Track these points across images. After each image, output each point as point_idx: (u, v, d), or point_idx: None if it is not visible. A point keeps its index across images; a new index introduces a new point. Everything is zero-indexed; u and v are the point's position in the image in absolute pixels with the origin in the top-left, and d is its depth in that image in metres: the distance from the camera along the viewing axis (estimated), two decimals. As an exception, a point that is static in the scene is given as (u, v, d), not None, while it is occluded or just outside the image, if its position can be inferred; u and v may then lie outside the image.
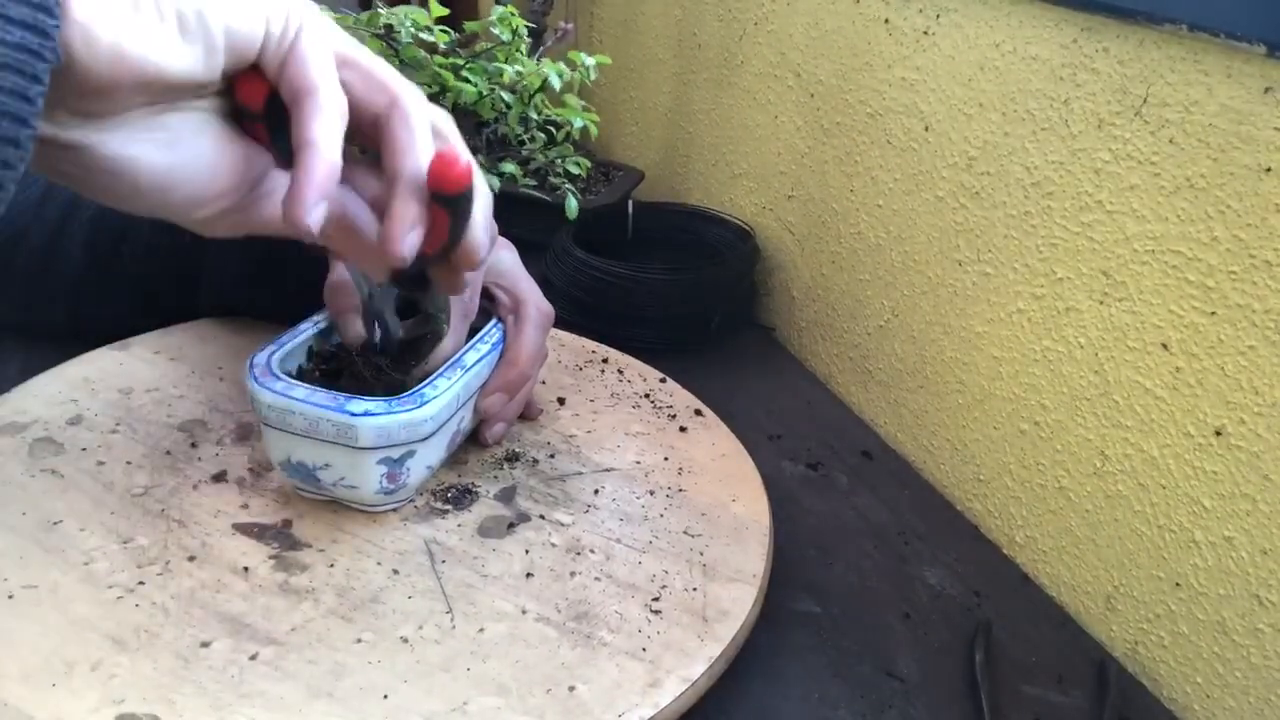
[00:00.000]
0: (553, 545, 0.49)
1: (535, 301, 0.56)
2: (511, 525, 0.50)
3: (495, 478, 0.54)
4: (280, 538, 0.47)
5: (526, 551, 0.48)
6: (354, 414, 0.44)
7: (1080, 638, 0.53)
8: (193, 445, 0.53)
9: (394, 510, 0.50)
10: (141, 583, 0.44)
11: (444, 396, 0.47)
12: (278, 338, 0.50)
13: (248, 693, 0.39)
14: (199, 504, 0.49)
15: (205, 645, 0.41)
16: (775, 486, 0.57)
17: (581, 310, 0.75)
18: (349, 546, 0.47)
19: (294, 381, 0.46)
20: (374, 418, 0.45)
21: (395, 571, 0.46)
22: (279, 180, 0.36)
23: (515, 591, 0.46)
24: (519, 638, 0.43)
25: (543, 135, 0.67)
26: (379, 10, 0.59)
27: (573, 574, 0.47)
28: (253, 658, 0.40)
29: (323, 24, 0.34)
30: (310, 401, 0.45)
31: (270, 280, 0.62)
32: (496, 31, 0.62)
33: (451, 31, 0.61)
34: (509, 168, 0.65)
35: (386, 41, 0.60)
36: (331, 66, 0.34)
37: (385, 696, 0.39)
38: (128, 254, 0.62)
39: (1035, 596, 0.56)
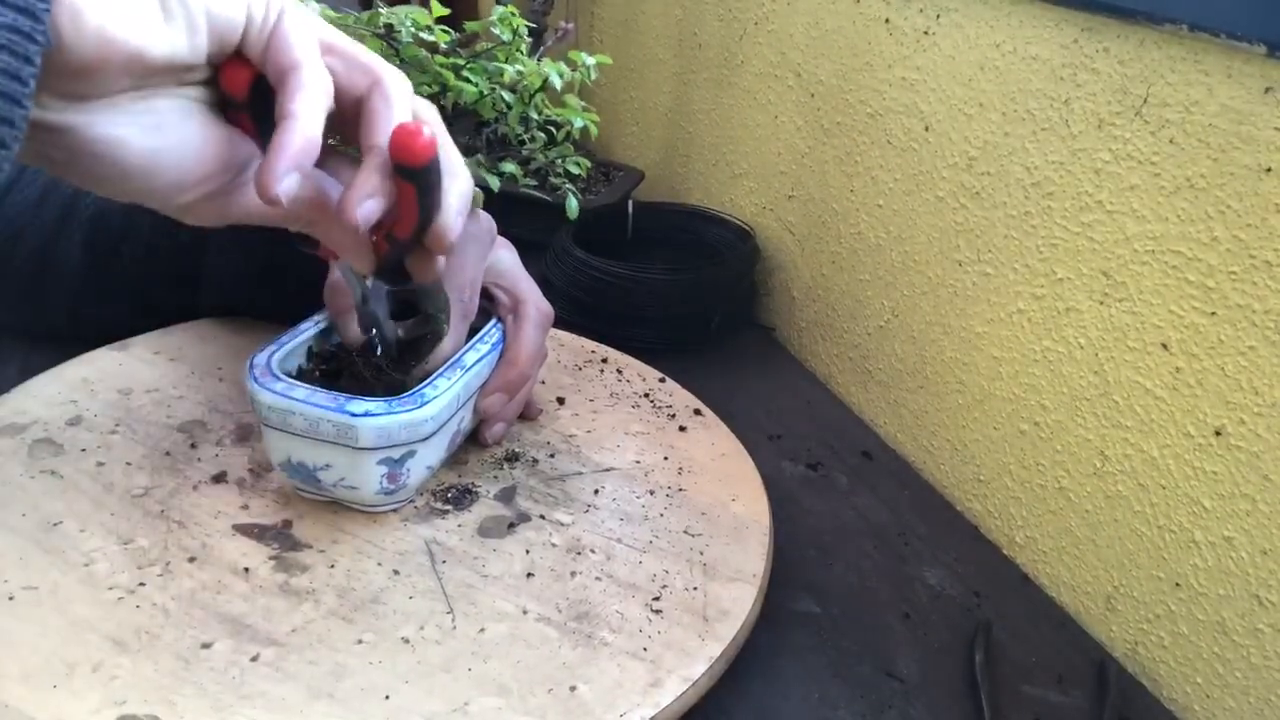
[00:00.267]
0: (553, 545, 0.49)
1: (535, 301, 0.56)
2: (512, 525, 0.50)
3: (495, 478, 0.54)
4: (280, 538, 0.47)
5: (527, 551, 0.48)
6: (354, 414, 0.45)
7: (1080, 638, 0.53)
8: (192, 446, 0.53)
9: (394, 510, 0.50)
10: (142, 584, 0.44)
11: (444, 396, 0.47)
12: (278, 338, 0.50)
13: (249, 694, 0.39)
14: (199, 505, 0.49)
15: (206, 646, 0.41)
16: (775, 486, 0.57)
17: (581, 310, 0.75)
18: (349, 547, 0.47)
19: (294, 382, 0.46)
20: (374, 418, 0.45)
21: (396, 572, 0.46)
22: None
23: (516, 591, 0.46)
24: (520, 638, 0.43)
25: (543, 135, 0.67)
26: (379, 10, 0.59)
27: (573, 574, 0.47)
28: (253, 659, 0.41)
29: (304, 10, 0.35)
30: (310, 402, 0.45)
31: (270, 280, 0.62)
32: (497, 31, 0.62)
33: (452, 31, 0.61)
34: (509, 168, 0.65)
35: (387, 41, 0.60)
36: (315, 46, 0.35)
37: (386, 697, 0.39)
38: (127, 254, 0.62)
39: (1035, 597, 0.56)
